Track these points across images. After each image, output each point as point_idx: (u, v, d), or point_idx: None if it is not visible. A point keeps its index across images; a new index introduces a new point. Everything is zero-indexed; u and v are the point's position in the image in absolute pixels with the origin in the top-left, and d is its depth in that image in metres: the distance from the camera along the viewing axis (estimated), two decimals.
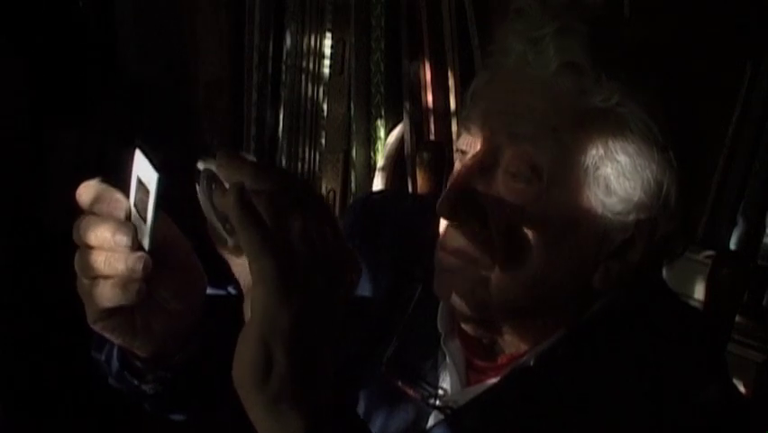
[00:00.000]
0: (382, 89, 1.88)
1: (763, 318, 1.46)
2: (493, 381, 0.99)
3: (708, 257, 1.37)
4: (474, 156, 0.93)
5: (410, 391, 1.00)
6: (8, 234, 2.31)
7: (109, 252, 0.84)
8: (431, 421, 1.01)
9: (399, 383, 1.01)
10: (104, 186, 0.87)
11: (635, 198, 0.90)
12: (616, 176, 0.90)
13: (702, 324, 1.13)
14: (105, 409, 2.20)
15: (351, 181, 1.97)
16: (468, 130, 0.95)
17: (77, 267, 0.86)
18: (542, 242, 0.91)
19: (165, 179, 0.83)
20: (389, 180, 1.88)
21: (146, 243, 0.85)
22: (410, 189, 1.85)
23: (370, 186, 1.92)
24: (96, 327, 0.89)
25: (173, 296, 0.90)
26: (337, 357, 0.88)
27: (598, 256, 0.92)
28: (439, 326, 1.02)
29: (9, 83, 2.34)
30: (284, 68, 2.08)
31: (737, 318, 1.33)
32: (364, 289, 1.09)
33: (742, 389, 1.39)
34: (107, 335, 0.90)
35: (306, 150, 2.07)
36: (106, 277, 0.85)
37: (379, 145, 1.92)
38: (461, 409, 0.98)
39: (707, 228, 1.52)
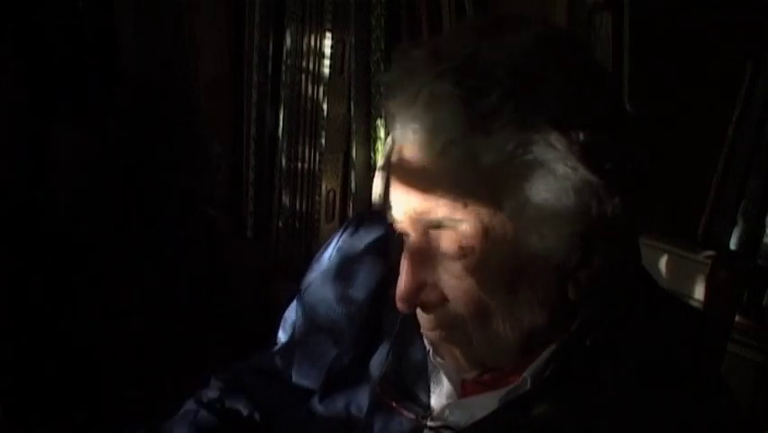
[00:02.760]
0: (382, 89, 1.88)
1: (763, 318, 1.46)
2: (487, 395, 0.99)
3: (708, 257, 1.36)
4: (409, 245, 0.94)
5: (404, 412, 1.01)
6: (8, 234, 2.31)
7: None
8: None
9: (393, 404, 1.01)
10: None
11: (569, 228, 0.90)
12: (540, 218, 0.89)
13: (703, 324, 1.13)
14: (104, 410, 2.20)
15: (351, 181, 1.97)
16: (391, 209, 0.96)
17: None
18: (501, 297, 0.92)
19: None
20: (389, 180, 1.88)
21: None
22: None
23: (370, 186, 1.92)
24: None
25: None
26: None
27: (561, 278, 0.93)
28: (426, 342, 1.02)
29: (9, 83, 2.33)
30: (284, 68, 2.08)
31: (737, 318, 1.33)
32: (355, 303, 1.10)
33: (743, 389, 1.39)
34: None
35: (306, 150, 2.07)
36: None
37: (379, 145, 1.92)
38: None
39: (707, 228, 1.52)
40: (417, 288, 0.95)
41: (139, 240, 2.34)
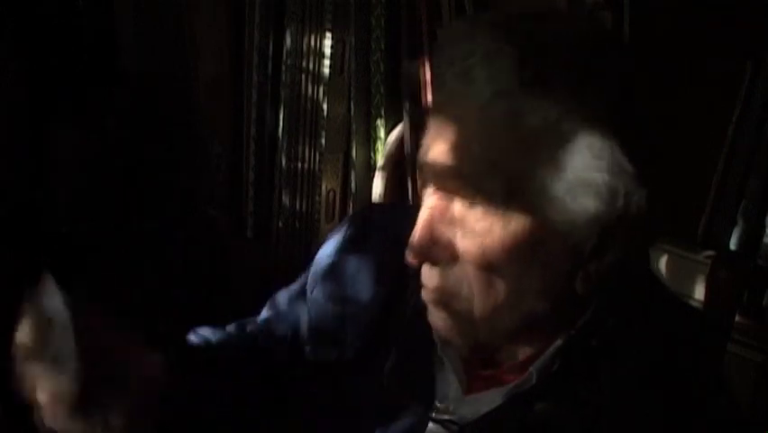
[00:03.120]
0: (382, 89, 1.88)
1: (763, 318, 1.46)
2: (493, 391, 0.99)
3: (708, 257, 1.37)
4: (430, 200, 0.95)
5: (411, 403, 1.01)
6: (8, 234, 2.31)
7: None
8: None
9: (400, 397, 1.01)
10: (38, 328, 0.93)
11: (592, 210, 0.90)
12: (568, 193, 0.89)
13: (703, 324, 1.13)
14: None
15: (351, 181, 1.97)
16: (420, 169, 0.96)
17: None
18: (511, 266, 0.92)
19: (79, 316, 0.87)
20: (389, 180, 1.88)
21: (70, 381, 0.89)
22: (410, 190, 1.85)
23: (370, 186, 1.92)
24: None
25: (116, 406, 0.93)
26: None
27: (573, 265, 0.92)
28: (435, 335, 1.02)
29: (9, 83, 2.33)
30: (284, 68, 2.08)
31: (737, 318, 1.33)
32: (363, 299, 1.10)
33: (743, 389, 1.39)
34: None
35: (306, 150, 2.07)
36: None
37: (379, 145, 1.92)
38: (467, 427, 0.99)
39: (707, 228, 1.52)
40: (432, 241, 0.94)
41: (139, 240, 2.34)
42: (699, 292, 1.34)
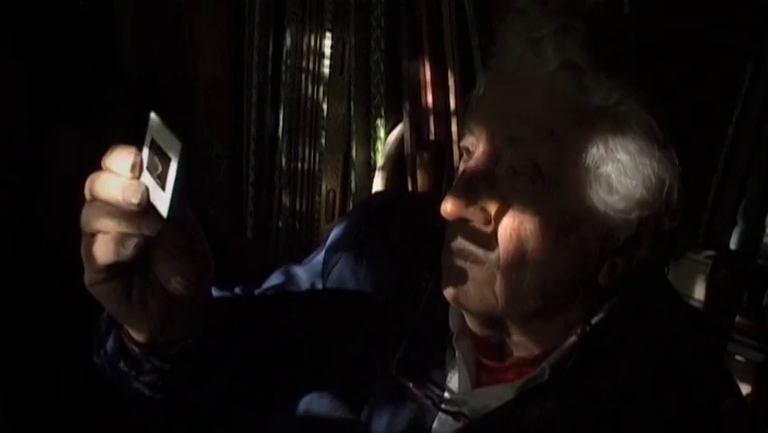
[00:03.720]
0: (382, 89, 1.88)
1: (763, 318, 1.46)
2: (503, 385, 0.99)
3: (708, 257, 1.37)
4: (476, 158, 0.93)
5: (419, 393, 1.01)
6: (7, 234, 2.31)
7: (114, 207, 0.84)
8: (436, 423, 1.01)
9: (410, 385, 1.01)
10: (128, 149, 0.88)
11: (637, 196, 0.90)
12: (617, 174, 0.90)
13: (705, 325, 1.13)
14: (104, 410, 2.20)
15: (351, 181, 1.97)
16: (471, 131, 0.95)
17: (81, 222, 0.86)
18: (544, 240, 0.91)
19: (187, 149, 0.82)
20: (389, 180, 1.88)
21: (165, 210, 0.84)
22: (410, 189, 1.85)
23: (370, 186, 1.92)
24: (93, 291, 0.90)
25: (176, 275, 0.90)
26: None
27: (602, 254, 0.92)
28: (451, 324, 1.02)
29: (9, 83, 2.33)
30: (284, 68, 2.08)
31: (737, 318, 1.33)
32: (372, 288, 1.09)
33: (743, 389, 1.39)
34: (102, 300, 0.91)
35: (306, 150, 2.07)
36: (106, 233, 0.84)
37: (379, 145, 1.92)
38: (478, 421, 0.98)
39: (707, 228, 1.52)
40: (469, 198, 0.93)
41: None
42: (699, 292, 1.34)
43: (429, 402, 1.00)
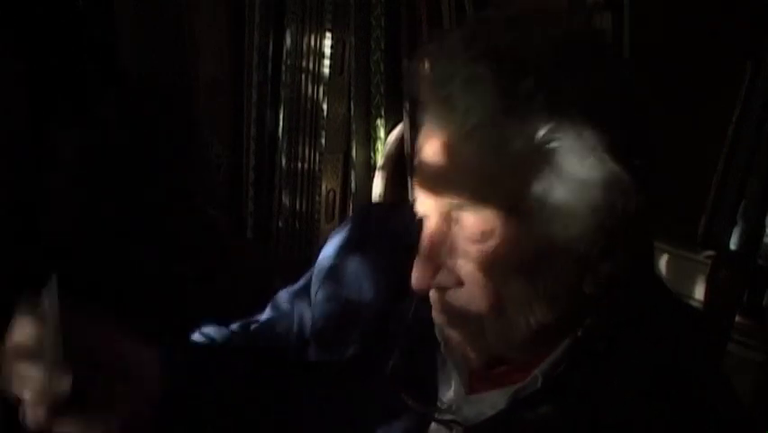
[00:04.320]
0: (382, 89, 1.88)
1: (763, 318, 1.46)
2: (497, 391, 0.99)
3: (708, 257, 1.37)
4: (430, 226, 0.94)
5: (413, 403, 1.01)
6: (7, 233, 2.31)
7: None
8: (431, 432, 1.01)
9: (403, 395, 1.01)
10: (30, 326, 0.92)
11: (592, 221, 0.89)
12: (565, 206, 0.89)
13: (702, 324, 1.13)
14: None
15: (351, 181, 1.97)
16: (417, 199, 0.95)
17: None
18: (519, 283, 0.92)
19: (70, 316, 0.89)
20: (389, 180, 1.88)
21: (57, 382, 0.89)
22: (410, 189, 1.85)
23: (370, 186, 1.92)
24: None
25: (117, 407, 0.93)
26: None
27: (580, 268, 0.92)
28: (438, 336, 1.02)
29: (9, 83, 2.33)
30: (284, 68, 2.08)
31: (737, 318, 1.33)
32: (365, 299, 1.10)
33: (743, 389, 1.39)
34: None
35: (306, 150, 2.07)
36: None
37: (379, 145, 1.92)
38: (472, 430, 0.98)
39: (707, 228, 1.52)
40: (434, 269, 0.94)
41: (138, 240, 2.34)
42: (699, 292, 1.34)
43: (423, 412, 1.00)
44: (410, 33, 1.83)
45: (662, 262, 1.43)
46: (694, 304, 1.31)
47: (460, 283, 0.94)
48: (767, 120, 1.48)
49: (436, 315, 0.99)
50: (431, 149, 0.93)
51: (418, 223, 0.97)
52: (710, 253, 1.40)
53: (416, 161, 0.96)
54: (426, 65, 0.93)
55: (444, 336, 1.00)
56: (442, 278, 0.95)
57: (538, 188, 0.89)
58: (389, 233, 1.10)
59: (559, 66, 0.89)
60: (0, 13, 2.32)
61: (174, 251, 2.34)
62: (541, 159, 0.88)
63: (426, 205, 0.94)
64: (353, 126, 1.94)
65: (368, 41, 1.89)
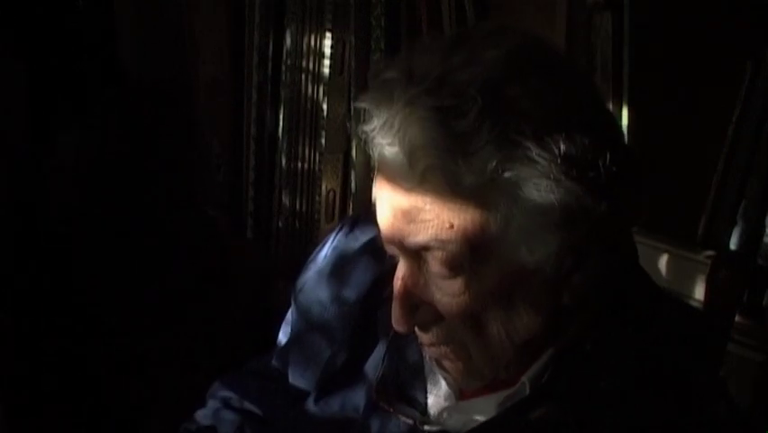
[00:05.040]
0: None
1: (763, 318, 1.46)
2: (485, 397, 0.99)
3: (708, 257, 1.36)
4: (401, 268, 0.94)
5: (402, 417, 1.01)
6: (7, 234, 2.31)
7: None
8: None
9: (391, 410, 1.01)
10: None
11: (556, 240, 0.89)
12: (527, 233, 0.89)
13: (702, 324, 1.12)
14: (104, 409, 2.20)
15: (351, 181, 1.97)
16: (383, 239, 0.95)
17: None
18: (496, 310, 0.92)
19: None
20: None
21: None
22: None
23: (370, 186, 1.91)
24: None
25: None
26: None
27: (556, 285, 0.92)
28: (423, 349, 1.02)
29: (9, 83, 2.34)
30: (284, 68, 2.08)
31: (737, 318, 1.33)
32: (349, 305, 1.10)
33: (743, 389, 1.39)
34: None
35: (306, 150, 2.07)
36: None
37: None
38: None
39: (707, 228, 1.52)
40: (412, 309, 0.94)
41: (139, 240, 2.34)
42: (699, 292, 1.34)
43: (411, 422, 1.01)
44: (410, 33, 1.84)
45: (662, 262, 1.43)
46: (694, 304, 1.31)
47: (440, 318, 0.94)
48: (767, 120, 1.48)
49: (425, 349, 1.00)
50: (386, 197, 0.92)
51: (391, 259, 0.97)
52: (710, 253, 1.40)
53: (376, 207, 0.95)
54: (369, 110, 0.91)
55: (438, 363, 1.01)
56: (421, 316, 0.95)
57: (498, 218, 0.88)
58: (377, 239, 1.10)
59: (499, 94, 0.87)
60: (0, 13, 2.32)
61: (174, 251, 2.34)
62: (496, 190, 0.88)
63: (393, 246, 0.94)
64: (354, 126, 1.94)
65: (368, 41, 1.89)
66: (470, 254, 0.90)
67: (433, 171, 0.88)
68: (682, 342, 0.99)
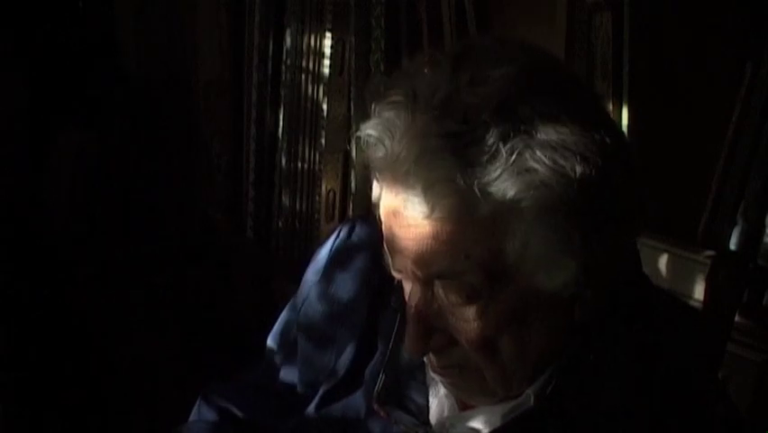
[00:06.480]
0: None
1: (763, 318, 1.46)
2: (490, 408, 0.98)
3: (708, 257, 1.37)
4: (413, 295, 0.92)
5: (404, 424, 1.00)
6: (7, 234, 2.31)
7: None
8: None
9: (393, 419, 1.01)
10: None
11: (573, 264, 0.87)
12: (545, 259, 0.87)
13: (702, 324, 1.12)
14: (104, 409, 2.20)
15: (351, 181, 1.97)
16: (393, 267, 0.93)
17: None
18: (510, 334, 0.91)
19: None
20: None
21: None
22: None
23: (370, 186, 1.92)
24: None
25: None
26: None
27: (570, 304, 0.91)
28: (425, 359, 1.01)
29: (9, 83, 2.34)
30: (284, 68, 2.08)
31: (737, 318, 1.33)
32: (349, 308, 1.09)
33: (743, 389, 1.39)
34: None
35: (306, 150, 2.07)
36: None
37: None
38: None
39: (707, 228, 1.52)
40: (426, 335, 0.93)
41: (138, 240, 2.35)
42: (699, 292, 1.34)
43: (413, 431, 1.00)
44: (410, 33, 1.84)
45: (662, 262, 1.43)
46: (694, 304, 1.31)
47: (453, 342, 0.93)
48: (767, 120, 1.48)
49: (435, 373, 0.98)
50: (397, 228, 0.89)
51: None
52: (710, 252, 1.40)
53: (384, 237, 0.92)
54: (376, 138, 0.88)
55: (447, 388, 0.99)
56: (436, 341, 0.93)
57: (515, 246, 0.86)
58: (371, 249, 1.09)
59: (515, 117, 0.84)
60: (0, 14, 2.32)
61: (174, 251, 2.34)
62: (512, 218, 0.85)
63: (406, 277, 0.92)
64: (353, 126, 1.94)
65: (368, 41, 1.89)
66: (486, 282, 0.88)
67: (447, 202, 0.85)
68: (682, 343, 0.99)
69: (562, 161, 0.84)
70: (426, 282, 0.91)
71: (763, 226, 1.48)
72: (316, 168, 2.04)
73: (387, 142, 0.87)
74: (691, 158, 1.53)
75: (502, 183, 0.84)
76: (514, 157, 0.83)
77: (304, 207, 2.09)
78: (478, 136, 0.84)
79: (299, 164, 2.08)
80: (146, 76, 2.46)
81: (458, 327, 0.91)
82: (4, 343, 2.19)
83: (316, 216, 2.06)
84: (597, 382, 0.94)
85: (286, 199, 2.12)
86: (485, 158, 0.84)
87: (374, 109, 0.89)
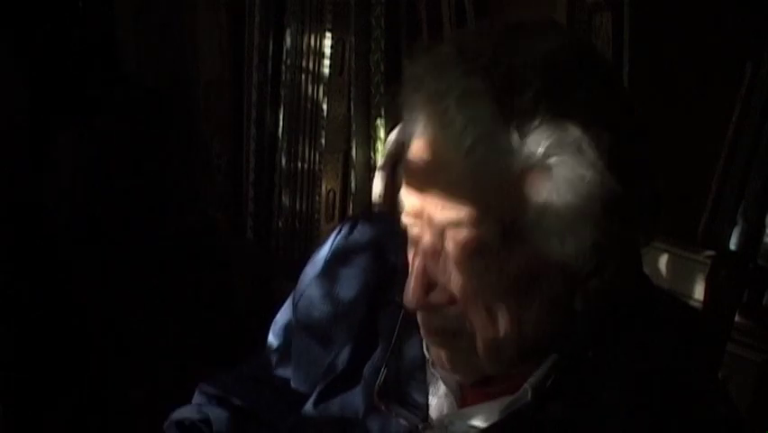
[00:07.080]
0: (382, 89, 1.88)
1: (763, 318, 1.46)
2: (488, 403, 0.98)
3: (708, 257, 1.37)
4: (424, 243, 0.92)
5: (403, 419, 1.00)
6: (7, 234, 2.31)
7: None
8: None
9: (393, 414, 1.00)
10: None
11: (590, 237, 0.88)
12: (564, 223, 0.87)
13: (695, 327, 1.12)
14: (104, 409, 2.20)
15: (351, 181, 1.98)
16: (407, 214, 0.93)
17: None
18: (510, 300, 0.91)
19: None
20: (389, 180, 1.88)
21: None
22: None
23: (370, 186, 1.92)
24: None
25: None
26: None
27: (572, 285, 0.91)
28: (426, 352, 1.01)
29: (9, 83, 2.33)
30: (284, 68, 2.08)
31: (737, 318, 1.33)
32: (348, 306, 1.09)
33: (743, 389, 1.39)
34: None
35: (306, 150, 2.07)
36: None
37: (379, 145, 1.92)
38: None
39: (707, 228, 1.52)
40: (427, 287, 0.92)
41: (138, 240, 2.34)
42: (699, 292, 1.34)
43: (413, 427, 1.00)
44: (410, 33, 1.84)
45: (662, 262, 1.43)
46: (694, 304, 1.31)
47: (452, 301, 0.92)
48: (767, 120, 1.48)
49: (426, 335, 0.97)
50: (424, 164, 0.90)
51: (403, 235, 0.95)
52: (710, 252, 1.40)
53: (405, 177, 0.93)
54: (419, 77, 0.90)
55: (435, 358, 0.99)
56: (434, 296, 0.93)
57: (537, 204, 0.87)
58: (372, 246, 1.09)
59: (558, 80, 0.87)
60: (0, 14, 2.32)
61: (174, 251, 2.34)
62: (541, 174, 0.86)
63: (418, 222, 0.92)
64: (353, 126, 1.94)
65: (368, 41, 1.89)
66: (501, 236, 0.88)
67: (481, 144, 0.86)
68: (682, 343, 0.99)
69: (596, 129, 0.86)
70: (438, 232, 0.90)
71: (763, 226, 1.48)
72: (316, 168, 2.04)
73: (429, 79, 0.88)
74: (691, 158, 1.53)
75: (537, 135, 0.85)
76: (552, 113, 0.85)
77: (304, 207, 2.09)
78: (520, 89, 0.85)
79: (299, 164, 2.08)
80: (146, 76, 2.46)
81: (461, 283, 0.91)
82: (5, 343, 2.19)
83: (316, 216, 2.06)
84: (596, 381, 0.94)
85: (286, 199, 2.12)
86: (525, 107, 0.85)
87: (421, 58, 0.91)
